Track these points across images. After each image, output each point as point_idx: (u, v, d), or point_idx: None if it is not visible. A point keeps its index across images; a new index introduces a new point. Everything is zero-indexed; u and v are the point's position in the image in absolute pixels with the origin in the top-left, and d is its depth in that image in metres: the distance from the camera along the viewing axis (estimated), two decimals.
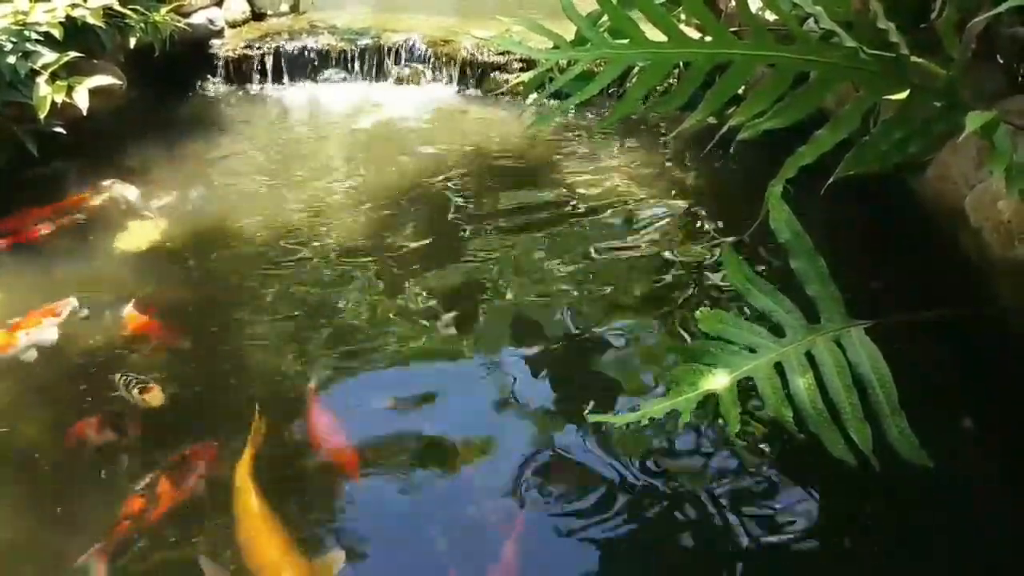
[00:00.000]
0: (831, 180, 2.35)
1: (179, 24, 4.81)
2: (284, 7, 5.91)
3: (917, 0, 2.71)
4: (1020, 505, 2.16)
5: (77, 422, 2.43)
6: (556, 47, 2.53)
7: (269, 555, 2.00)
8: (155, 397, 2.47)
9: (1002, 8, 1.97)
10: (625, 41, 2.40)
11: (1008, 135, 1.91)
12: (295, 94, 5.32)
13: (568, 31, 2.48)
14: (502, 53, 5.18)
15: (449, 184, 4.01)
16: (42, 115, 3.75)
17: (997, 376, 2.46)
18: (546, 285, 3.17)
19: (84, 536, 2.07)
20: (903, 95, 2.26)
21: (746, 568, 2.04)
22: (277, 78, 5.39)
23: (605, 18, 2.65)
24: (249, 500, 2.12)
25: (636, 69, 3.42)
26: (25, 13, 3.93)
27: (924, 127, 2.28)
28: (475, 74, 5.27)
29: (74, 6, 4.06)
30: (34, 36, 3.88)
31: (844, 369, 2.13)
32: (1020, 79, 2.53)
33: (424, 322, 2.94)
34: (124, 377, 2.54)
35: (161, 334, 2.86)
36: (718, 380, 2.12)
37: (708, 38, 2.32)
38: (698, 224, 3.62)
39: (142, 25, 4.46)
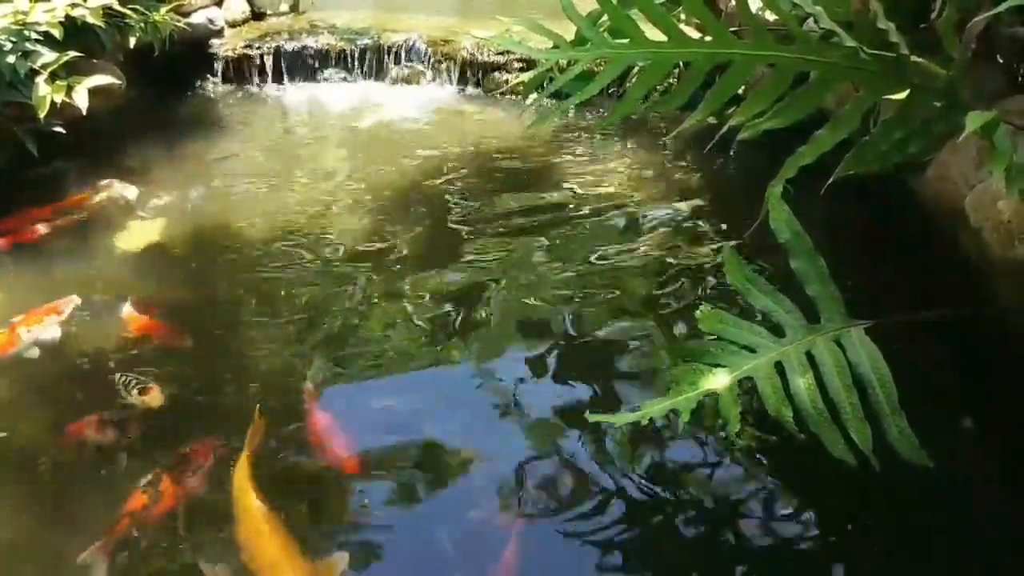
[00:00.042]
0: (831, 180, 2.35)
1: (179, 24, 4.81)
2: (284, 7, 5.91)
3: (917, 0, 2.71)
4: (1020, 505, 2.16)
5: (76, 422, 2.42)
6: (556, 47, 2.53)
7: (272, 556, 2.00)
8: (154, 398, 2.47)
9: (1002, 8, 1.97)
10: (625, 41, 2.40)
11: (1008, 135, 1.91)
12: (295, 94, 5.32)
13: (568, 31, 2.48)
14: (502, 53, 5.18)
15: (449, 184, 4.01)
16: (42, 115, 3.75)
17: (997, 376, 2.46)
18: (546, 286, 3.17)
19: (84, 536, 2.07)
20: (903, 95, 2.26)
21: (746, 568, 2.04)
22: (277, 78, 5.39)
23: (605, 18, 2.65)
24: (250, 502, 2.12)
25: (636, 69, 3.42)
26: (25, 13, 3.93)
27: (924, 127, 2.28)
28: (475, 74, 5.27)
29: (74, 6, 4.05)
30: (34, 36, 3.87)
31: (844, 369, 2.13)
32: (1020, 79, 2.53)
33: (424, 323, 2.94)
34: (124, 377, 2.54)
35: (161, 334, 2.86)
36: (718, 380, 2.12)
37: (708, 38, 2.32)
38: (698, 224, 3.62)
39: (142, 25, 4.46)
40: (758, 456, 2.33)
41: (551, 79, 3.07)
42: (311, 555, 2.01)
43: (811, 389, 2.09)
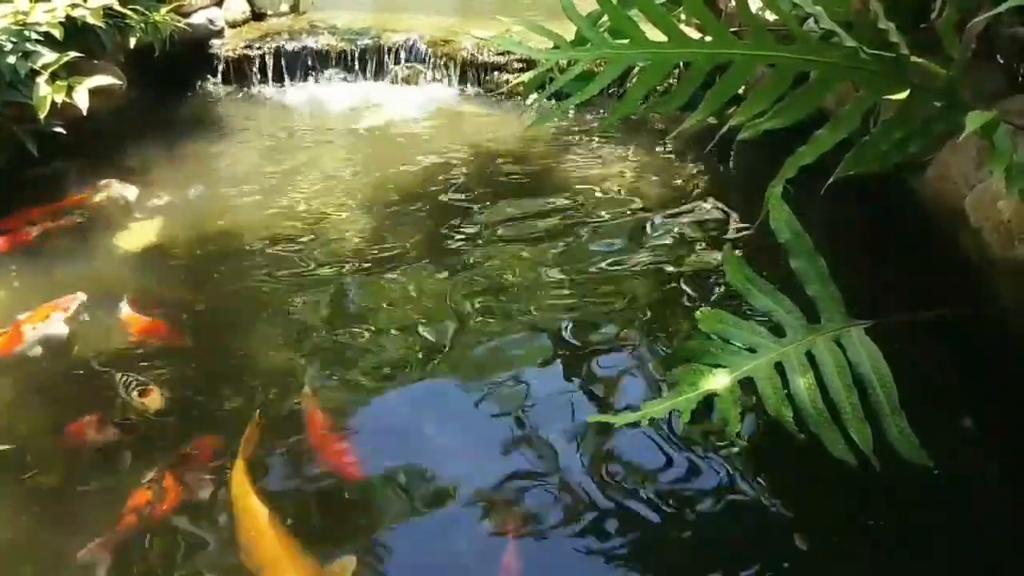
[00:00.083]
0: (831, 180, 2.35)
1: (179, 24, 4.81)
2: (284, 7, 5.91)
3: (917, 0, 2.71)
4: (1020, 505, 2.16)
5: (76, 422, 2.43)
6: (556, 47, 2.53)
7: (274, 556, 1.99)
8: (154, 400, 2.47)
9: (1002, 8, 1.97)
10: (625, 41, 2.40)
11: (1008, 135, 1.91)
12: (295, 94, 5.33)
13: (568, 31, 2.48)
14: (502, 53, 5.18)
15: (449, 184, 4.01)
16: (42, 115, 3.76)
17: (997, 376, 2.46)
18: (546, 287, 3.16)
19: (84, 536, 2.07)
20: (903, 95, 2.27)
21: (746, 569, 2.04)
22: (277, 78, 5.39)
23: (605, 18, 2.65)
24: (249, 504, 2.11)
25: (636, 69, 3.42)
26: (25, 13, 3.93)
27: (924, 127, 2.28)
28: (475, 74, 5.27)
29: (74, 6, 4.06)
30: (34, 36, 3.88)
31: (844, 369, 2.13)
32: (1020, 79, 2.53)
33: (424, 325, 2.93)
34: (124, 378, 2.54)
35: (161, 334, 2.86)
36: (718, 380, 2.12)
37: (708, 38, 2.32)
38: (698, 224, 3.62)
39: (142, 25, 4.46)
40: (758, 456, 2.32)
41: (551, 79, 3.07)
42: (316, 558, 2.00)
43: (811, 389, 2.10)
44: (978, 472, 2.27)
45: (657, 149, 4.41)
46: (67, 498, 2.21)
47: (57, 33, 3.90)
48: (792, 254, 2.33)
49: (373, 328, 2.92)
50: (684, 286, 3.13)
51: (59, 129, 3.87)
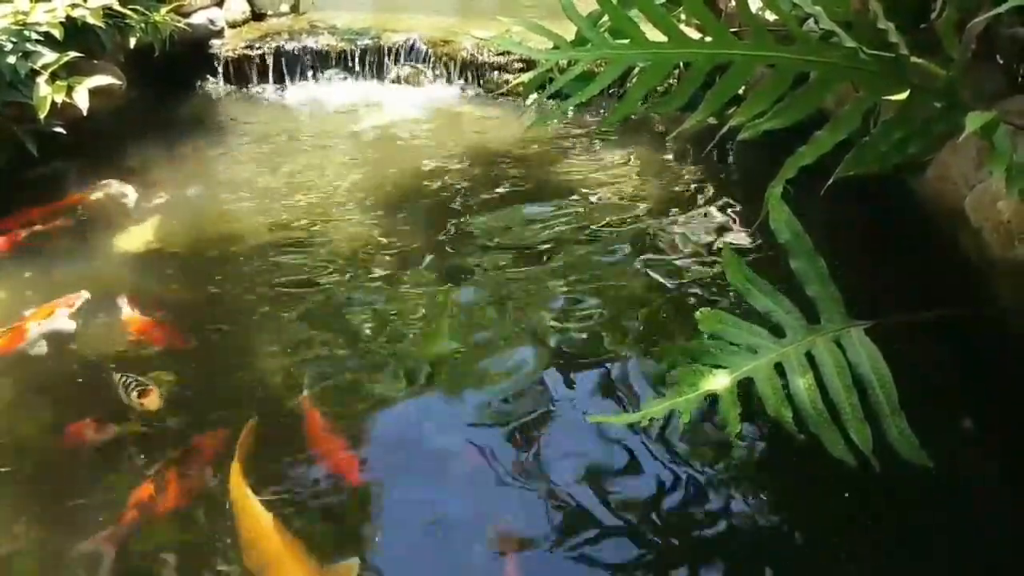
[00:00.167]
0: (831, 181, 2.35)
1: (179, 24, 4.81)
2: (284, 7, 5.91)
3: (917, 0, 2.71)
4: (1020, 505, 2.16)
5: (76, 423, 2.43)
6: (556, 47, 2.53)
7: (276, 557, 1.99)
8: (152, 401, 2.47)
9: (1002, 8, 1.97)
10: (625, 41, 2.40)
11: (1008, 135, 1.91)
12: (295, 94, 5.33)
13: (568, 31, 2.48)
14: (502, 53, 5.18)
15: (449, 185, 4.01)
16: (42, 115, 3.76)
17: (997, 376, 2.46)
18: (547, 288, 3.16)
19: (84, 536, 2.07)
20: (903, 95, 2.27)
21: (746, 569, 2.04)
22: (277, 78, 5.39)
23: (605, 18, 2.65)
24: (249, 506, 2.10)
25: (636, 69, 3.42)
26: (25, 13, 3.93)
27: (924, 127, 2.28)
28: (475, 74, 5.27)
29: (74, 6, 4.06)
30: (34, 36, 3.88)
31: (844, 369, 2.13)
32: (1020, 79, 2.53)
33: (424, 327, 2.93)
34: (124, 379, 2.54)
35: (160, 334, 2.86)
36: (718, 380, 2.12)
37: (708, 38, 2.32)
38: (698, 224, 3.62)
39: (142, 25, 4.46)
40: (758, 456, 2.32)
41: (551, 80, 3.06)
42: (319, 560, 2.01)
43: (811, 389, 2.10)
44: (978, 472, 2.27)
45: (657, 149, 4.41)
46: (67, 498, 2.21)
47: (57, 33, 3.90)
48: (792, 255, 2.33)
49: (373, 327, 2.91)
50: (684, 286, 3.13)
51: (59, 129, 3.87)
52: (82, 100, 3.89)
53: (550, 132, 4.62)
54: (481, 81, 5.26)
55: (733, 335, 2.25)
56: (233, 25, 5.58)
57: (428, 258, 3.35)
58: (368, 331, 2.90)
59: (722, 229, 3.55)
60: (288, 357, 2.75)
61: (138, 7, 4.45)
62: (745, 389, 2.16)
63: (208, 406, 2.55)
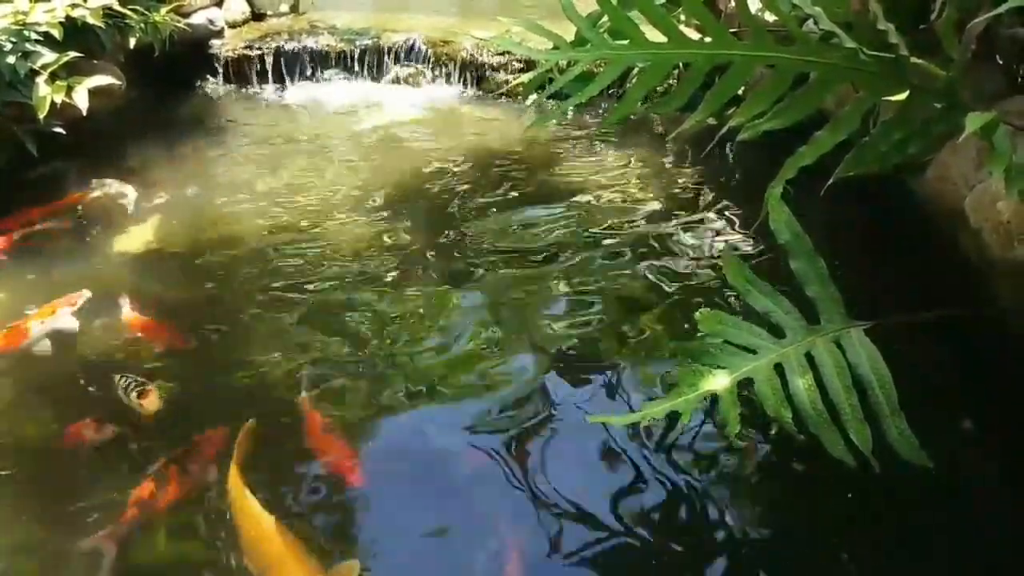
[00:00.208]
0: (831, 181, 2.35)
1: (179, 24, 4.81)
2: (284, 7, 5.91)
3: (917, 1, 2.71)
4: (1020, 505, 2.16)
5: (74, 423, 2.42)
6: (556, 48, 2.53)
7: (285, 562, 1.99)
8: (152, 402, 2.47)
9: (1002, 9, 1.97)
10: (625, 42, 2.40)
11: (1008, 136, 1.91)
12: (295, 94, 5.33)
13: (568, 32, 2.48)
14: (502, 54, 5.19)
15: (449, 186, 4.01)
16: (42, 115, 3.76)
17: (997, 376, 2.46)
18: (546, 287, 3.17)
19: (84, 536, 2.07)
20: (903, 96, 2.27)
21: (746, 569, 2.04)
22: (277, 78, 5.39)
23: (605, 19, 2.65)
24: (249, 508, 2.10)
25: (636, 70, 3.42)
26: (25, 13, 3.93)
27: (924, 128, 2.28)
28: (475, 74, 5.27)
29: (74, 6, 4.06)
30: (34, 36, 3.88)
31: (844, 370, 2.13)
32: (1020, 80, 2.53)
33: (423, 328, 2.93)
34: (124, 379, 2.54)
35: (160, 334, 2.86)
36: (718, 381, 2.12)
37: (708, 39, 2.32)
38: (698, 225, 3.62)
39: (142, 25, 4.46)
40: (757, 456, 2.32)
41: (551, 80, 3.07)
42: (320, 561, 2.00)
43: (811, 390, 2.10)
44: (978, 472, 2.28)
45: (656, 150, 4.41)
46: (67, 498, 2.21)
47: (57, 33, 3.90)
48: (792, 255, 2.33)
49: (373, 328, 2.91)
50: (683, 288, 3.13)
51: (59, 129, 3.87)
52: (82, 100, 3.89)
53: (550, 132, 4.62)
54: (481, 81, 5.26)
55: (733, 335, 2.25)
56: (233, 25, 5.58)
57: (428, 259, 3.35)
58: (367, 332, 2.90)
59: (722, 230, 3.55)
60: (287, 357, 2.75)
61: (138, 7, 4.45)
62: (745, 390, 2.16)
63: (208, 406, 2.55)
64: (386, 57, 5.37)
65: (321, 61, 5.39)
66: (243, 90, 5.36)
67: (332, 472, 2.31)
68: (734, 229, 3.54)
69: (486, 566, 2.06)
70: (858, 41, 2.09)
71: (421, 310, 3.02)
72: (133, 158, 4.18)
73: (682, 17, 2.86)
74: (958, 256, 2.48)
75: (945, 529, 2.10)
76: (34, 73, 3.82)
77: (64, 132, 3.89)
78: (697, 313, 2.30)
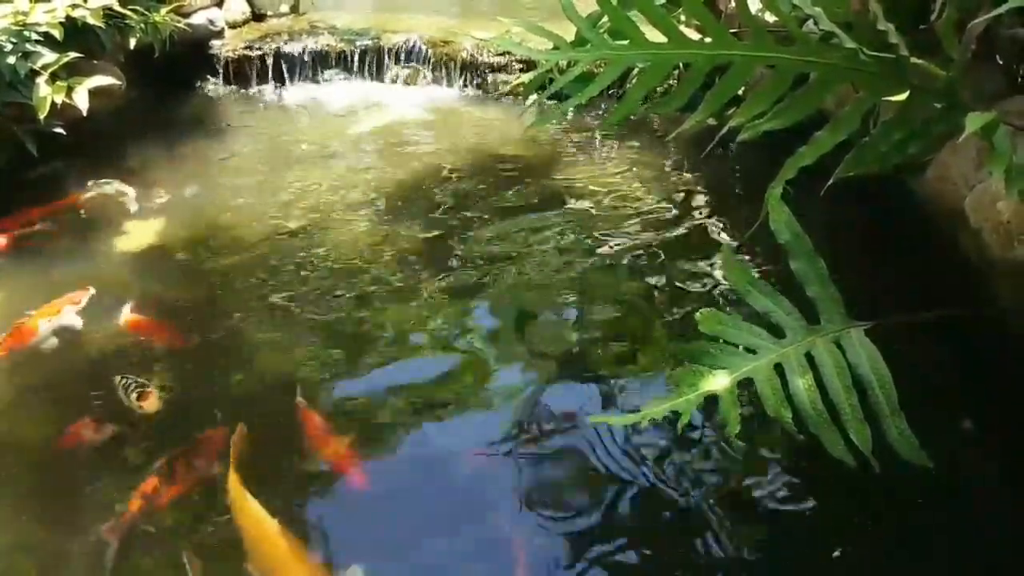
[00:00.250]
0: (831, 181, 2.35)
1: (179, 24, 4.81)
2: (284, 8, 5.91)
3: (917, 1, 2.71)
4: (1020, 505, 2.16)
5: (74, 423, 2.43)
6: (556, 48, 2.53)
7: (288, 567, 1.99)
8: (151, 403, 2.47)
9: (1002, 9, 1.97)
10: (625, 42, 2.40)
11: (1008, 136, 1.91)
12: (295, 95, 5.33)
13: (568, 32, 2.48)
14: (502, 54, 5.18)
15: (449, 186, 4.01)
16: (42, 115, 3.76)
17: (997, 377, 2.46)
18: (546, 288, 3.16)
19: (84, 536, 2.07)
20: (903, 96, 2.27)
21: (747, 569, 2.04)
22: (277, 79, 5.39)
23: (605, 19, 2.65)
24: (257, 512, 2.10)
25: (636, 70, 3.42)
26: (25, 13, 3.93)
27: (924, 128, 2.28)
28: (475, 75, 5.27)
29: (74, 6, 4.06)
30: (34, 36, 3.88)
31: (844, 370, 2.13)
32: (1020, 80, 2.53)
33: (423, 328, 2.93)
34: (124, 380, 2.54)
35: (160, 335, 2.86)
36: (718, 381, 2.12)
37: (708, 39, 2.32)
38: (698, 225, 3.62)
39: (142, 25, 4.47)
40: (757, 456, 2.32)
41: (551, 80, 3.06)
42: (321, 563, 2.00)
43: (811, 390, 2.09)
44: (978, 472, 2.28)
45: (656, 150, 4.41)
46: (67, 498, 2.22)
47: (57, 33, 3.90)
48: (792, 255, 2.33)
49: (373, 328, 2.91)
50: (683, 288, 3.13)
51: (59, 129, 3.87)
52: (82, 100, 3.90)
53: (550, 133, 4.62)
54: (481, 82, 5.26)
55: (733, 336, 2.25)
56: (233, 25, 5.58)
57: (427, 260, 3.34)
58: (367, 333, 2.90)
59: (722, 230, 3.55)
60: (287, 358, 2.75)
61: (138, 7, 4.45)
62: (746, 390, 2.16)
63: (207, 407, 2.55)
64: (386, 57, 5.36)
65: (321, 61, 5.39)
66: (243, 90, 5.36)
67: (333, 473, 2.31)
68: (734, 229, 3.54)
69: (490, 567, 2.05)
70: (858, 41, 2.09)
71: (421, 311, 3.02)
72: (133, 158, 4.18)
73: (682, 17, 2.85)
74: (958, 256, 2.48)
75: (945, 529, 2.10)
76: (34, 73, 3.82)
77: (64, 132, 3.89)
78: (697, 313, 2.30)
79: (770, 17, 2.41)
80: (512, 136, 4.59)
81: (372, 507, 2.23)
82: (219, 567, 2.04)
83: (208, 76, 5.39)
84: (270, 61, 5.36)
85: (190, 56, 5.17)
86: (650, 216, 3.68)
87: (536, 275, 3.24)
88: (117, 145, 4.27)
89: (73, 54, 3.95)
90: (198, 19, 5.20)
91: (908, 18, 2.57)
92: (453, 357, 2.80)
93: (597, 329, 2.92)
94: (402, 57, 5.36)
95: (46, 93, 3.78)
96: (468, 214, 3.72)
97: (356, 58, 5.37)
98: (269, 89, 5.37)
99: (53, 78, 3.87)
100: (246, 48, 5.39)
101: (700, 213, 3.73)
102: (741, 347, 2.23)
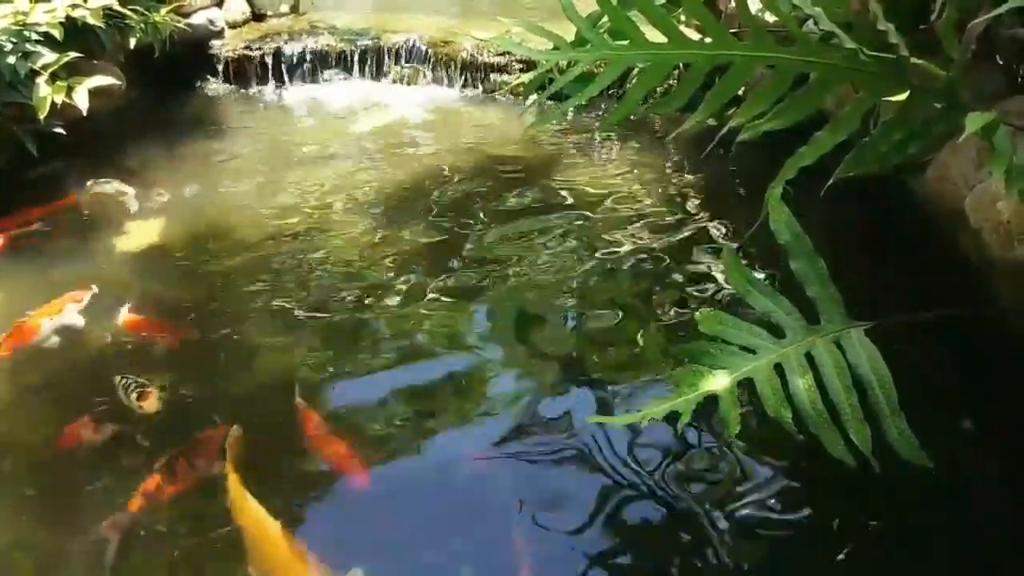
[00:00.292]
0: (831, 181, 2.35)
1: (179, 24, 4.82)
2: (284, 8, 5.91)
3: (917, 1, 2.71)
4: (1020, 505, 2.16)
5: (74, 423, 2.42)
6: (556, 48, 2.53)
7: (284, 562, 1.98)
8: (151, 404, 2.47)
9: (1002, 9, 1.97)
10: (625, 42, 2.40)
11: (1008, 136, 1.91)
12: (295, 95, 5.33)
13: (568, 32, 2.48)
14: (502, 54, 5.18)
15: (448, 186, 4.01)
16: (42, 115, 3.76)
17: (997, 377, 2.46)
18: (546, 289, 3.16)
19: (84, 536, 2.07)
20: (903, 96, 2.27)
21: (747, 569, 2.04)
22: (277, 79, 5.39)
23: (605, 19, 2.65)
24: (259, 514, 2.09)
25: (636, 70, 3.42)
26: (25, 13, 3.93)
27: (924, 128, 2.28)
28: (475, 75, 5.27)
29: (74, 6, 4.06)
30: (34, 36, 3.88)
31: (844, 370, 2.13)
32: (1020, 80, 2.53)
33: (423, 328, 2.93)
34: (123, 380, 2.54)
35: (160, 335, 2.86)
36: (718, 381, 2.12)
37: (708, 39, 2.32)
38: (698, 225, 3.62)
39: (142, 25, 4.47)
40: (757, 457, 2.32)
41: (551, 80, 3.06)
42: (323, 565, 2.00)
43: (811, 390, 2.09)
44: (978, 472, 2.28)
45: (656, 150, 4.41)
46: (67, 498, 2.22)
47: (57, 33, 3.90)
48: (792, 255, 2.33)
49: (373, 328, 2.91)
50: (684, 288, 3.13)
51: (59, 129, 3.87)
52: (82, 100, 3.90)
53: (550, 133, 4.62)
54: (481, 82, 5.26)
55: (733, 336, 2.25)
56: (233, 25, 5.58)
57: (427, 261, 3.34)
58: (367, 334, 2.90)
59: (722, 230, 3.55)
60: (287, 358, 2.75)
61: (138, 7, 4.45)
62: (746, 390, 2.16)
63: (206, 407, 2.55)
64: (386, 57, 5.37)
65: (321, 61, 5.40)
66: (243, 90, 5.36)
67: (333, 473, 2.31)
68: (734, 229, 3.54)
69: (491, 571, 2.05)
70: (858, 41, 2.09)
71: (421, 312, 3.02)
72: (133, 158, 4.19)
73: (682, 17, 2.85)
74: (958, 256, 2.48)
75: (945, 529, 2.10)
76: (34, 73, 3.83)
77: (64, 132, 3.89)
78: (697, 313, 2.30)
79: (770, 17, 2.41)
80: (512, 136, 4.59)
81: (372, 508, 2.23)
82: (219, 567, 2.04)
83: (208, 76, 5.39)
84: (270, 61, 5.37)
85: (190, 56, 5.18)
86: (650, 216, 3.68)
87: (536, 276, 3.24)
88: (117, 145, 4.27)
89: (73, 54, 3.95)
90: (198, 19, 5.21)
91: (908, 18, 2.57)
92: (453, 358, 2.80)
93: (597, 330, 2.92)
94: (402, 57, 5.36)
95: (46, 93, 3.78)
96: (468, 215, 3.72)
97: (356, 58, 5.37)
98: (269, 89, 5.37)
99: (53, 78, 3.87)
100: (246, 48, 5.39)
101: (700, 213, 3.72)
102: (741, 347, 2.23)
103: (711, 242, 3.45)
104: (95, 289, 2.97)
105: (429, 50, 5.32)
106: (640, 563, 2.06)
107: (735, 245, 3.38)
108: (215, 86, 5.38)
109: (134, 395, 2.48)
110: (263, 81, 5.39)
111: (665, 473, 2.28)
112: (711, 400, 2.09)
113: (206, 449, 2.32)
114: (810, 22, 2.47)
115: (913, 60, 2.16)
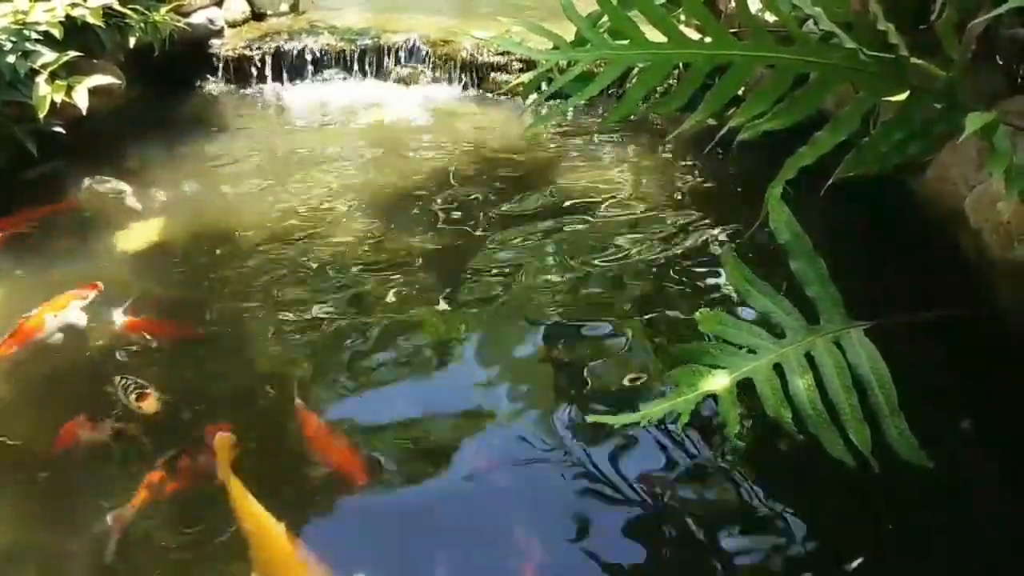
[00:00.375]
0: (831, 181, 2.35)
1: (179, 24, 4.82)
2: (284, 7, 5.91)
3: (917, 1, 2.71)
4: (1020, 505, 2.16)
5: (72, 423, 2.42)
6: (556, 48, 2.53)
7: (290, 569, 1.98)
8: (150, 405, 2.47)
9: (1002, 9, 1.97)
10: (625, 42, 2.40)
11: (1008, 136, 1.91)
12: (295, 94, 5.32)
13: (568, 32, 2.48)
14: (502, 54, 5.18)
15: (448, 185, 4.01)
16: (42, 115, 3.76)
17: (997, 376, 2.46)
18: (546, 289, 3.16)
19: (84, 536, 2.07)
20: (903, 96, 2.27)
21: (747, 569, 2.04)
22: (277, 78, 5.39)
23: (605, 19, 2.65)
24: (261, 515, 2.08)
25: (636, 70, 3.42)
26: (25, 13, 3.93)
27: (924, 128, 2.28)
28: (475, 75, 5.27)
29: (74, 6, 4.06)
30: (34, 36, 3.88)
31: (843, 370, 2.13)
32: (1020, 80, 2.53)
33: (423, 328, 2.93)
34: (123, 381, 2.54)
35: (159, 335, 2.86)
36: (718, 381, 2.12)
37: (708, 39, 2.32)
38: (698, 226, 3.62)
39: (142, 25, 4.47)
40: (757, 457, 2.32)
41: (551, 80, 3.07)
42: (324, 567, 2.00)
43: (810, 390, 2.10)
44: (978, 472, 2.28)
45: (656, 150, 4.41)
46: (66, 498, 2.21)
47: (57, 32, 3.90)
48: (792, 255, 2.33)
49: (372, 328, 2.91)
50: (684, 289, 3.13)
51: (59, 129, 3.87)
52: (82, 100, 3.90)
53: (550, 133, 4.62)
54: (481, 81, 5.26)
55: (733, 336, 2.25)
56: (233, 25, 5.58)
57: (427, 261, 3.34)
58: (367, 334, 2.90)
59: (722, 230, 3.55)
60: (287, 359, 2.75)
61: (138, 7, 4.45)
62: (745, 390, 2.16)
63: (206, 407, 2.55)
64: (386, 57, 5.37)
65: (321, 61, 5.39)
66: (243, 90, 5.36)
67: (333, 475, 2.30)
68: (734, 229, 3.54)
69: (495, 571, 2.05)
70: (858, 41, 2.09)
71: (421, 308, 3.02)
72: (133, 158, 4.18)
73: (682, 17, 2.85)
74: (958, 256, 2.48)
75: (945, 529, 2.10)
76: (34, 72, 3.82)
77: (64, 132, 3.89)
78: (697, 313, 2.30)
79: (770, 17, 2.41)
80: (512, 136, 4.58)
81: (373, 510, 2.23)
82: (219, 567, 2.04)
83: (208, 75, 5.39)
84: (270, 60, 5.36)
85: (190, 55, 5.17)
86: (650, 215, 3.68)
87: (537, 277, 3.23)
88: (117, 144, 4.27)
89: (73, 53, 3.95)
90: (198, 18, 5.21)
91: (908, 18, 2.57)
92: (454, 362, 2.80)
93: (598, 331, 2.92)
94: (402, 57, 5.36)
95: (46, 92, 3.78)
96: (468, 216, 3.72)
97: (356, 58, 5.37)
98: (269, 89, 5.37)
99: (53, 77, 3.87)
100: (246, 47, 5.39)
101: (700, 213, 3.72)
102: (741, 347, 2.23)
103: (711, 242, 3.45)
104: (101, 286, 2.97)
105: (429, 50, 5.32)
106: (640, 564, 2.06)
107: (735, 245, 3.38)
108: (215, 85, 5.38)
109: (133, 396, 2.48)
110: (263, 80, 5.38)
111: (662, 472, 2.28)
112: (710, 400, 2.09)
113: (205, 449, 2.32)
114: (810, 22, 2.47)
115: (913, 60, 2.16)
